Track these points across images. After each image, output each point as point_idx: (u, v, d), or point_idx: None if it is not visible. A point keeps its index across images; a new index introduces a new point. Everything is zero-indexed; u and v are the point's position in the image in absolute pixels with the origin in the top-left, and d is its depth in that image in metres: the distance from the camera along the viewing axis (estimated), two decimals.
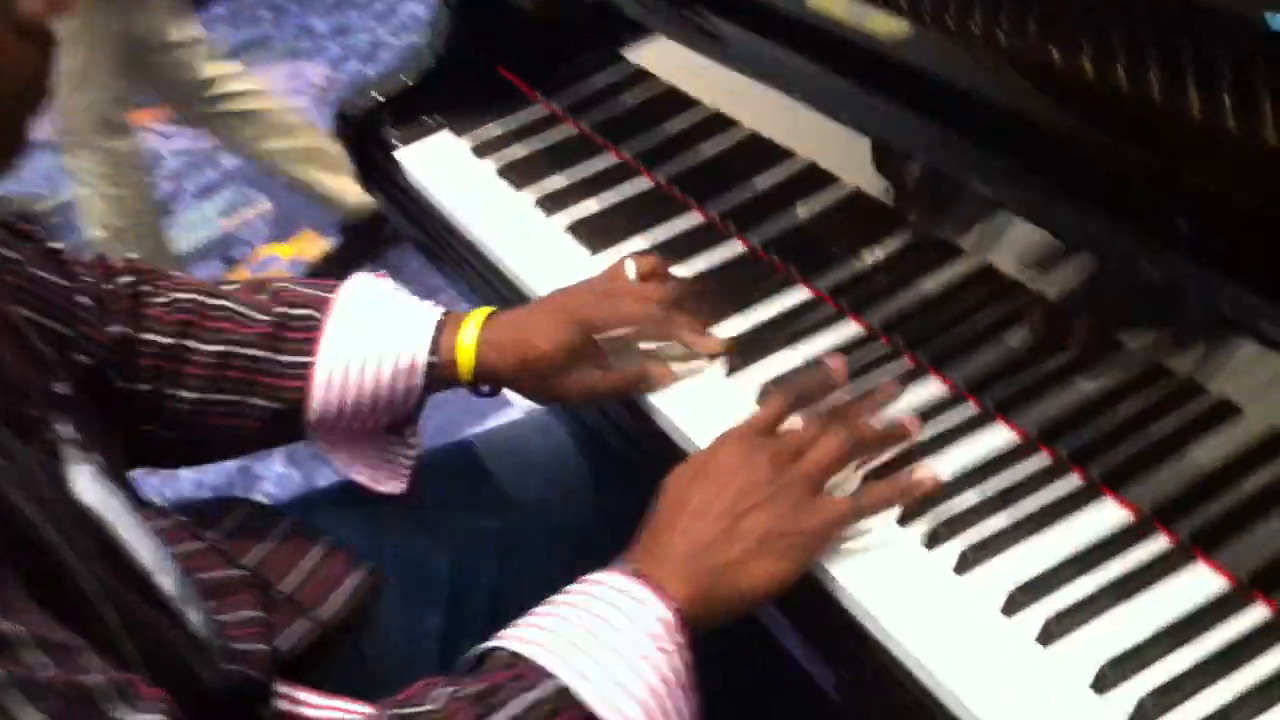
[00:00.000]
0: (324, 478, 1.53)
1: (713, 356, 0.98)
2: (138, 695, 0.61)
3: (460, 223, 1.24)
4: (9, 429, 0.68)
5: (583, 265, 1.13)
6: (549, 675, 0.72)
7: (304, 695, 0.84)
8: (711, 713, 0.77)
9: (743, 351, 0.99)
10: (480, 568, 1.06)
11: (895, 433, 0.88)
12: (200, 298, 0.98)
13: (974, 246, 0.93)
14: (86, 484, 0.74)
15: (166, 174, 3.08)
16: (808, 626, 0.84)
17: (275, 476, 2.20)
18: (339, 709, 0.84)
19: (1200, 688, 0.72)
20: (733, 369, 0.98)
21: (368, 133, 1.36)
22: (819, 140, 1.04)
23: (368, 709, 0.84)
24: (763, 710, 1.06)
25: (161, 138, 3.30)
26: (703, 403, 0.96)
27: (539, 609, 0.77)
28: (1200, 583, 0.77)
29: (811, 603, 0.82)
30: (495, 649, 0.75)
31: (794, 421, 0.87)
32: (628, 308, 0.98)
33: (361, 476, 1.03)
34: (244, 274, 2.71)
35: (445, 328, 0.99)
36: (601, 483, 1.15)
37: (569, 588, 0.78)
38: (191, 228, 2.92)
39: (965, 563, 0.80)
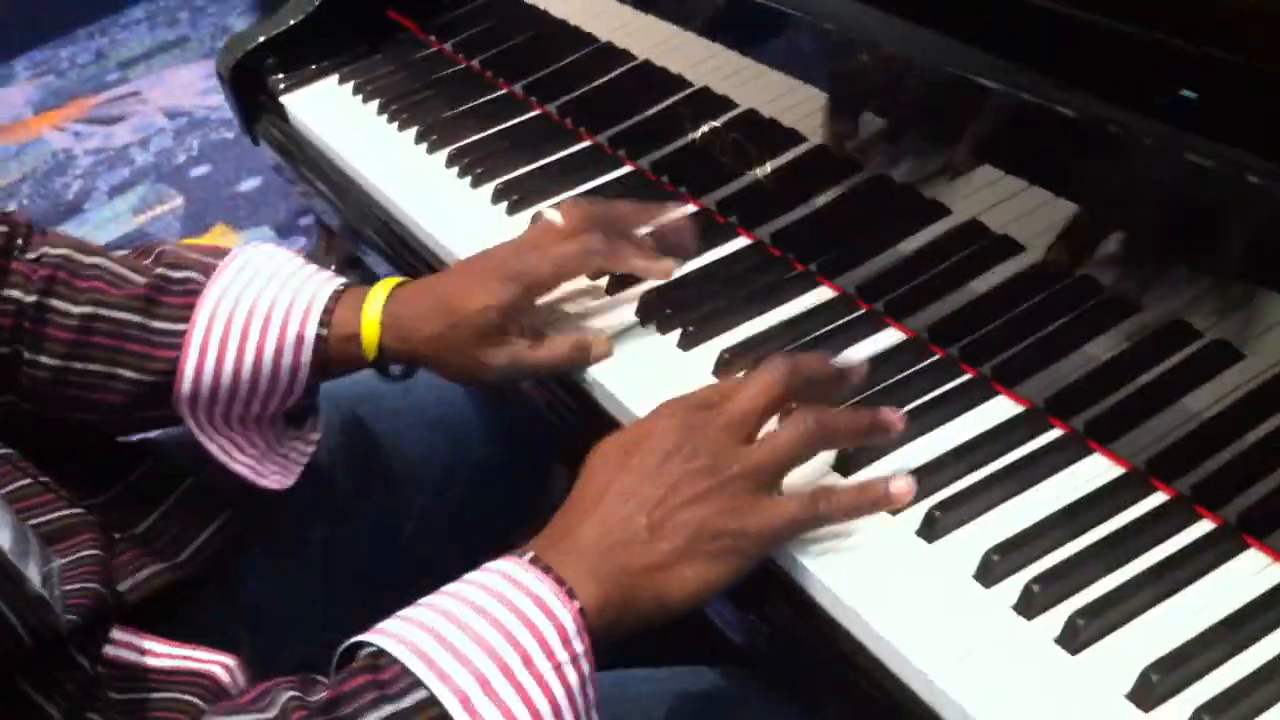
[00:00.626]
0: None
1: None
2: None
3: (347, 165, 1.19)
4: None
5: (464, 197, 1.08)
6: (417, 684, 0.60)
7: (150, 644, 0.76)
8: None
9: None
10: (358, 522, 1.00)
11: (876, 425, 0.73)
12: (74, 254, 0.87)
13: (866, 159, 0.89)
14: None
15: (80, 172, 3.01)
16: None
17: None
18: (189, 657, 0.77)
19: (1093, 576, 0.67)
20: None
21: (252, 79, 1.31)
22: (712, 68, 1.00)
23: (224, 658, 0.78)
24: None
25: (74, 137, 3.22)
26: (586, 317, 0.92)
27: (422, 600, 0.65)
28: (1093, 471, 0.73)
29: None
30: (362, 644, 0.64)
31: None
32: (564, 248, 0.86)
33: (242, 468, 0.89)
34: None
35: (344, 301, 0.87)
36: (493, 430, 1.10)
37: (464, 577, 0.66)
38: (104, 225, 2.85)
39: (846, 465, 0.75)
